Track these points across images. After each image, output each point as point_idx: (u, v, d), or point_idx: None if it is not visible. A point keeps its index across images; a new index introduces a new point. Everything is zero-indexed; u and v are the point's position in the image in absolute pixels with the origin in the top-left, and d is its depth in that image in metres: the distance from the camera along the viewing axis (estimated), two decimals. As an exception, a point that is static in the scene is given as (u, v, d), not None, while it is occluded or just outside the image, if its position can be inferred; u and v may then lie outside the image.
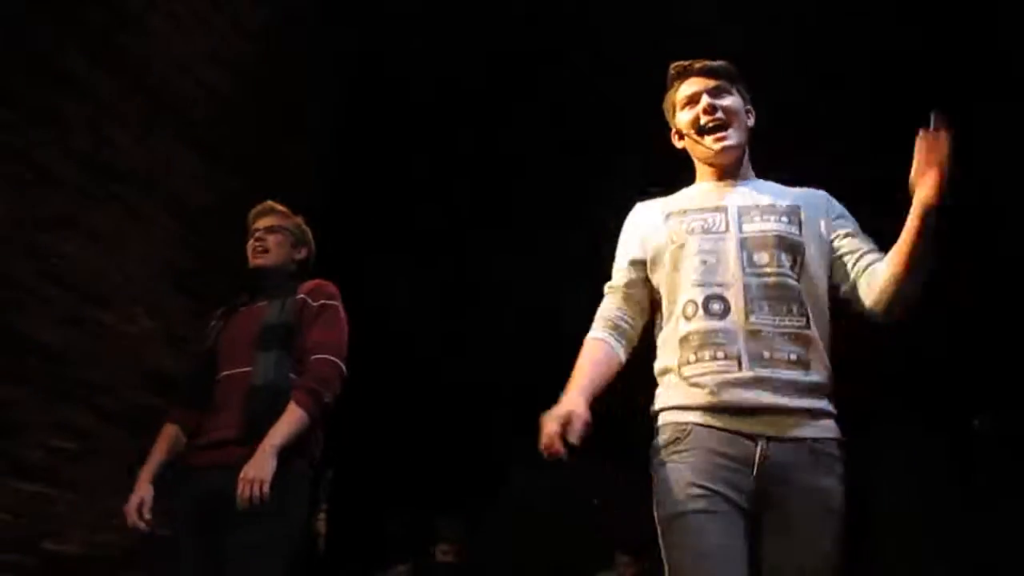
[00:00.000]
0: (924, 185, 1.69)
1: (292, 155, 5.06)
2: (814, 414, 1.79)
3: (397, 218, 6.37)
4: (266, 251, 2.68)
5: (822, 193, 2.00)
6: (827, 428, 1.80)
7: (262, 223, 2.73)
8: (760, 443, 1.74)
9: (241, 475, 2.21)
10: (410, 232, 6.49)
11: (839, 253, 1.90)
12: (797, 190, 1.99)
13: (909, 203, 1.72)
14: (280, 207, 2.79)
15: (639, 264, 1.98)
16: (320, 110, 5.33)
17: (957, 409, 6.08)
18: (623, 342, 1.97)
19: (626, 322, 1.98)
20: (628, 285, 1.99)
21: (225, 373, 2.51)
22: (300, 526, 2.39)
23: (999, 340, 5.48)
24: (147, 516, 2.46)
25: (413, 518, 6.01)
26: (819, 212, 1.93)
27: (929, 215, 1.69)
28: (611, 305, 2.00)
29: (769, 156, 2.14)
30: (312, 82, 5.15)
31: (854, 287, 1.87)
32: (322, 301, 2.57)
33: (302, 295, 2.57)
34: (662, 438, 1.85)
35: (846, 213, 1.97)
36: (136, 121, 4.00)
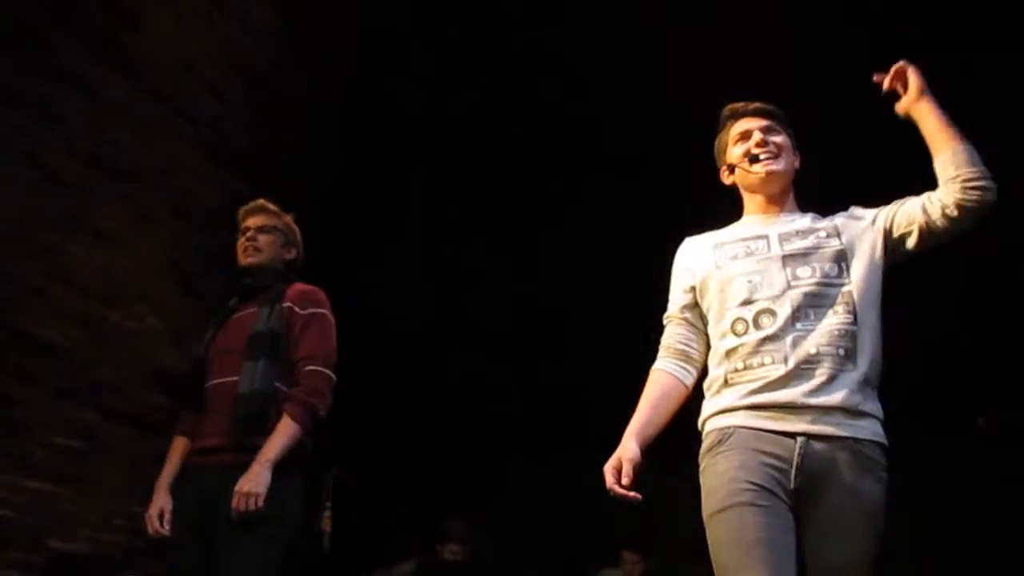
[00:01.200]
0: (907, 86, 1.93)
1: (296, 154, 5.07)
2: (854, 414, 1.81)
3: (398, 218, 6.37)
4: (258, 250, 2.69)
5: (854, 208, 2.08)
6: (867, 430, 1.82)
7: (253, 222, 2.74)
8: (800, 440, 1.79)
9: (236, 488, 2.28)
10: (412, 232, 6.49)
11: (894, 217, 1.96)
12: (837, 216, 2.07)
13: None
14: (271, 206, 2.79)
15: (691, 290, 2.08)
16: (324, 109, 5.33)
17: (960, 407, 6.07)
18: (688, 367, 2.07)
19: (689, 345, 2.08)
20: (683, 310, 2.10)
21: (214, 381, 2.55)
22: (294, 531, 2.43)
23: (1005, 337, 5.47)
24: (168, 524, 2.51)
25: (416, 517, 6.02)
26: (856, 219, 2.02)
27: (927, 98, 1.91)
28: (671, 332, 2.11)
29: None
30: (316, 81, 5.15)
31: (927, 214, 1.91)
32: (311, 310, 2.60)
33: (289, 303, 2.59)
34: (706, 444, 1.93)
35: (872, 208, 2.05)
36: (141, 121, 4.01)
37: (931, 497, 5.53)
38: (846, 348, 1.83)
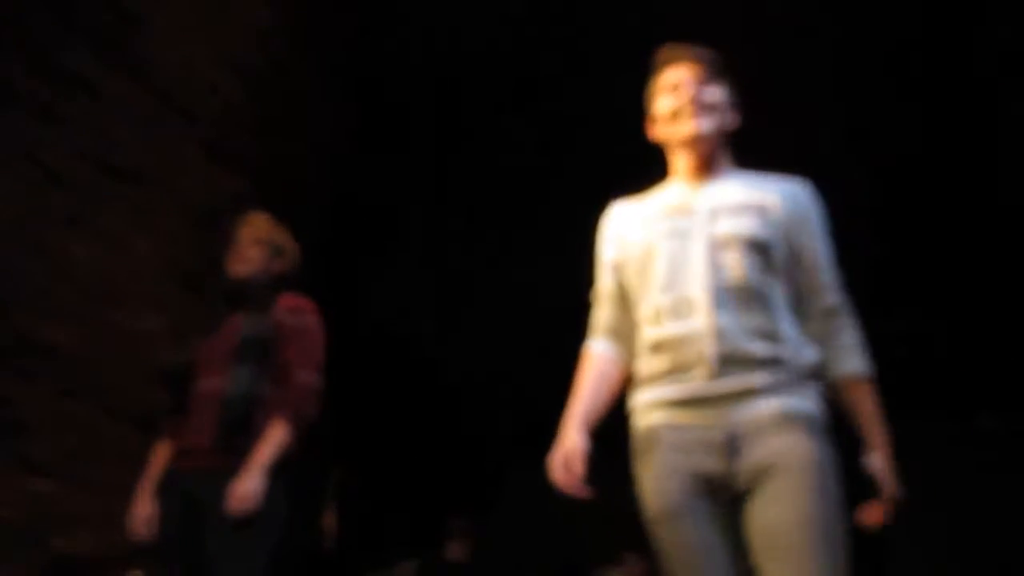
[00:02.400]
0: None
1: (296, 154, 5.08)
2: (785, 392, 1.74)
3: (400, 217, 6.38)
4: (243, 262, 2.74)
5: (800, 189, 1.93)
6: (800, 403, 1.74)
7: (245, 232, 2.79)
8: (726, 424, 1.72)
9: (230, 493, 2.33)
10: (414, 231, 6.50)
11: (800, 278, 1.86)
12: (775, 182, 1.93)
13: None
14: (263, 221, 2.83)
15: (619, 267, 1.98)
16: (325, 110, 5.33)
17: (960, 406, 6.07)
18: (622, 347, 1.96)
19: (620, 326, 1.96)
20: (610, 287, 1.99)
21: (203, 383, 2.59)
22: (279, 531, 2.46)
23: (1003, 336, 5.47)
24: (154, 529, 2.58)
25: (419, 517, 6.02)
26: (788, 203, 1.88)
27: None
28: (605, 313, 1.99)
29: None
30: (316, 81, 5.15)
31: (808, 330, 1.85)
32: (299, 318, 2.65)
33: (278, 311, 2.64)
34: (635, 446, 1.86)
35: (815, 218, 1.91)
36: (143, 121, 4.02)
37: (931, 497, 5.54)
38: (765, 350, 1.74)
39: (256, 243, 2.76)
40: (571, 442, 1.79)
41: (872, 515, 1.78)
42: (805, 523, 1.62)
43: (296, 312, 2.66)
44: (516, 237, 6.32)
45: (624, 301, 1.96)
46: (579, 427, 1.82)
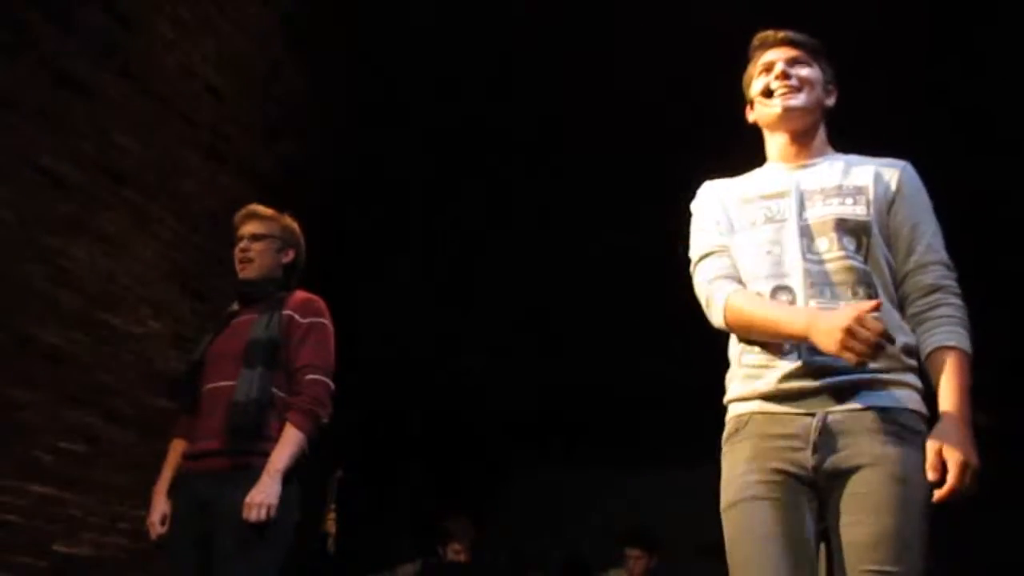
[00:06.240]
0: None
1: (296, 155, 5.08)
2: (882, 384, 1.69)
3: (400, 218, 6.38)
4: (250, 261, 2.70)
5: (900, 165, 1.89)
6: (897, 399, 1.68)
7: (246, 230, 2.74)
8: (818, 415, 1.68)
9: (248, 499, 2.31)
10: (414, 231, 6.50)
11: (900, 259, 1.81)
12: (873, 163, 1.89)
13: None
14: (264, 210, 2.79)
15: (724, 237, 1.90)
16: (324, 110, 5.33)
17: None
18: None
19: (738, 279, 1.86)
20: (722, 243, 1.89)
21: (210, 385, 2.56)
22: (290, 536, 2.46)
23: (1004, 336, 5.48)
24: (168, 528, 2.55)
25: (420, 518, 6.03)
26: (884, 184, 1.84)
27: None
28: (717, 264, 1.87)
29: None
30: (316, 82, 5.15)
31: (901, 271, 1.80)
32: (311, 319, 2.61)
33: (289, 311, 2.60)
34: (725, 431, 1.82)
35: (916, 194, 1.86)
36: (142, 124, 4.02)
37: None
38: None
39: (259, 239, 2.72)
40: (839, 313, 1.63)
41: (942, 493, 1.61)
42: (886, 541, 1.59)
43: (308, 310, 2.62)
44: (517, 235, 6.32)
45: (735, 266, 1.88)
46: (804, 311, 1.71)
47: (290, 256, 2.76)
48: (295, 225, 2.82)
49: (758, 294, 1.79)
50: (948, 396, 1.68)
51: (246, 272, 2.70)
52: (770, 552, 1.65)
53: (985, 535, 5.63)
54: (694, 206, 1.99)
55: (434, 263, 6.66)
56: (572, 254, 5.98)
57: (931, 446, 1.63)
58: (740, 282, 1.84)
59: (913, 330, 1.77)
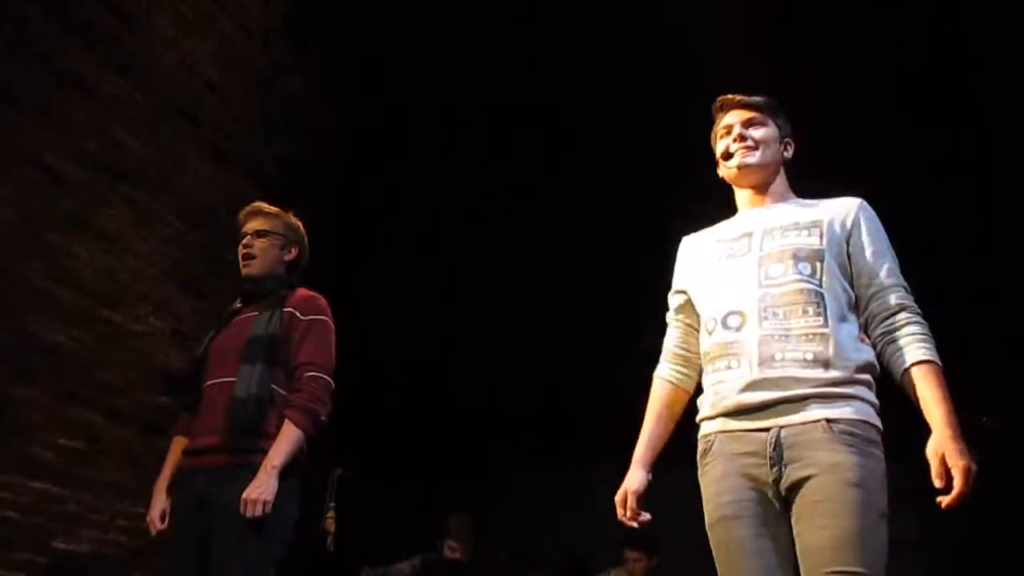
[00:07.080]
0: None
1: (296, 154, 5.08)
2: (830, 398, 1.77)
3: (401, 215, 6.38)
4: (253, 258, 2.70)
5: (853, 201, 2.02)
6: (847, 410, 1.77)
7: (250, 226, 2.74)
8: (772, 430, 1.79)
9: (245, 495, 2.31)
10: (414, 229, 6.50)
11: (856, 279, 1.93)
12: (830, 202, 2.03)
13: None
14: (268, 208, 2.79)
15: (683, 292, 2.13)
16: (324, 110, 5.34)
17: (962, 405, 6.06)
18: (687, 370, 2.12)
19: (686, 348, 2.12)
20: (678, 311, 2.14)
21: (211, 381, 2.57)
22: (289, 533, 2.45)
23: (1009, 336, 5.47)
24: (168, 524, 2.55)
25: (420, 518, 6.02)
26: (840, 217, 1.97)
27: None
28: (669, 335, 2.17)
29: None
30: (316, 81, 5.16)
31: (867, 333, 1.91)
32: (312, 316, 2.60)
33: (290, 308, 2.60)
34: (698, 451, 1.96)
35: (872, 226, 1.97)
36: (143, 122, 4.02)
37: (935, 497, 5.55)
38: (815, 352, 1.79)
39: (262, 235, 2.72)
40: (632, 481, 2.03)
41: (950, 500, 1.67)
42: (845, 543, 1.67)
43: (310, 308, 2.62)
44: (517, 235, 6.32)
45: (693, 324, 2.11)
46: (642, 462, 2.06)
47: (293, 253, 2.76)
48: (299, 223, 2.81)
49: (668, 380, 2.12)
50: (937, 407, 1.76)
51: (249, 268, 2.70)
52: (751, 568, 1.78)
53: (985, 535, 5.63)
54: (677, 258, 2.20)
55: (435, 260, 6.66)
56: (572, 254, 5.98)
57: (934, 455, 1.70)
58: (686, 349, 2.11)
59: (880, 347, 1.88)
